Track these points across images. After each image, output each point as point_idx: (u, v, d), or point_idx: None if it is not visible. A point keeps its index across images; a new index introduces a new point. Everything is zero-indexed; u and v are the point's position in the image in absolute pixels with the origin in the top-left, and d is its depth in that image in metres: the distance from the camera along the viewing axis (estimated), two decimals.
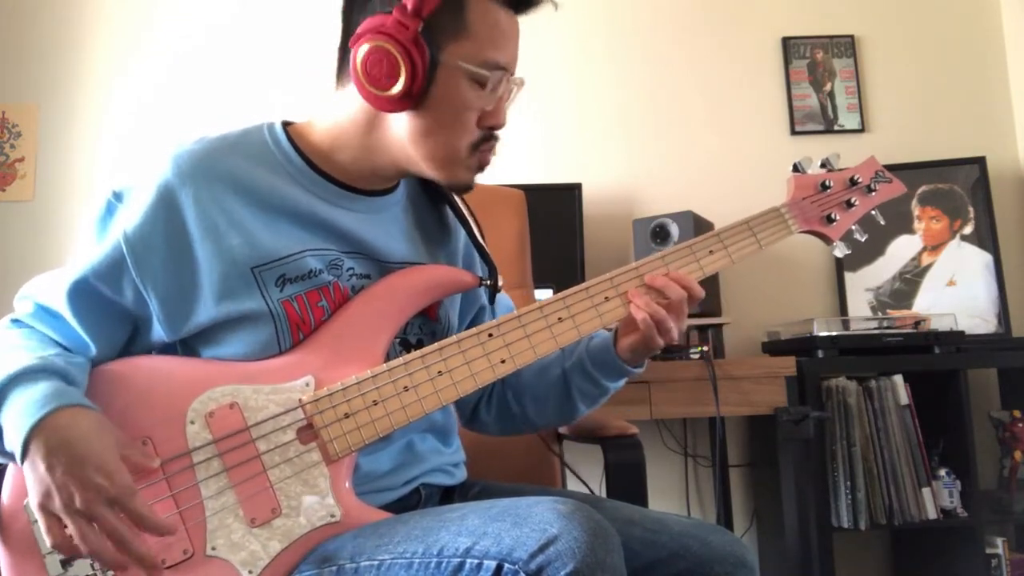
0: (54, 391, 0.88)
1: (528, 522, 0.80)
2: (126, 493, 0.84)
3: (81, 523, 0.83)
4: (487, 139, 1.04)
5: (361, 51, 0.97)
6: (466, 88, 0.99)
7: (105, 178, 2.69)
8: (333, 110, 1.06)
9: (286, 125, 1.09)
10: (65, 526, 0.85)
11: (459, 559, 0.80)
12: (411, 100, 0.97)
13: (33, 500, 0.85)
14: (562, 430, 1.59)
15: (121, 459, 0.87)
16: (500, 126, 1.04)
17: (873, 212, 1.22)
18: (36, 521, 0.90)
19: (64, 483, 0.83)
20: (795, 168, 1.21)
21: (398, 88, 0.96)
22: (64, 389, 0.89)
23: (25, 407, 0.86)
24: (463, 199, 1.21)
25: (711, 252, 1.13)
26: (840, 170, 1.21)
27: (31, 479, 0.85)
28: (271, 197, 1.02)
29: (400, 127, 1.02)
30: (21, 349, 0.95)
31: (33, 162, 2.72)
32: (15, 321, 1.02)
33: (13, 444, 0.86)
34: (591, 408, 1.21)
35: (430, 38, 0.96)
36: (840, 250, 1.21)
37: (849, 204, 1.20)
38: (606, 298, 1.08)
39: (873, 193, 1.21)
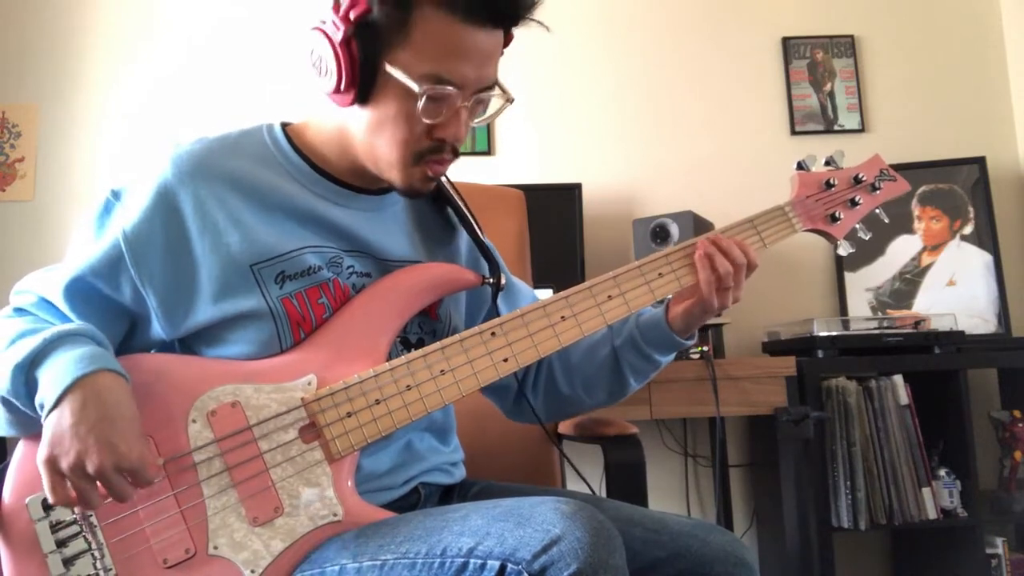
0: (100, 354, 0.90)
1: (531, 522, 0.80)
2: (143, 464, 0.86)
3: (85, 483, 0.84)
4: (438, 150, 1.01)
5: (311, 43, 0.99)
6: (405, 96, 0.97)
7: (105, 178, 2.69)
8: (325, 109, 1.07)
9: (285, 126, 1.10)
10: (67, 484, 0.85)
11: (462, 559, 0.80)
12: (351, 97, 0.98)
13: (42, 454, 0.85)
14: (562, 429, 1.59)
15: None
16: (451, 140, 1.01)
17: (877, 211, 1.22)
18: (38, 520, 0.91)
19: (86, 440, 0.84)
20: (799, 166, 1.21)
21: (331, 85, 0.98)
22: (108, 355, 0.91)
23: (72, 361, 0.88)
24: (463, 198, 1.21)
25: None
26: (844, 168, 1.21)
27: (50, 431, 0.86)
28: (270, 195, 1.02)
29: (355, 123, 1.02)
30: (46, 325, 0.95)
31: (33, 162, 2.72)
32: (19, 310, 1.03)
33: (48, 394, 0.87)
34: (642, 384, 1.23)
35: (369, 40, 0.95)
36: (844, 249, 1.21)
37: (853, 202, 1.20)
38: (609, 296, 1.08)
39: (877, 191, 1.21)
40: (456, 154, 1.04)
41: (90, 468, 0.84)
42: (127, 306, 0.99)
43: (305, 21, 1.01)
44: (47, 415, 0.87)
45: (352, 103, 0.99)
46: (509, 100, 1.05)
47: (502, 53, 1.04)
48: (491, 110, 1.08)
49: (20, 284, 1.04)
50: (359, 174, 1.08)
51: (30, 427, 0.92)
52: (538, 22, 1.03)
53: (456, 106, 0.98)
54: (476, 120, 1.05)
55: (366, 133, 1.01)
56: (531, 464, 1.59)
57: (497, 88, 1.04)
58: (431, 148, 1.01)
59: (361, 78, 0.96)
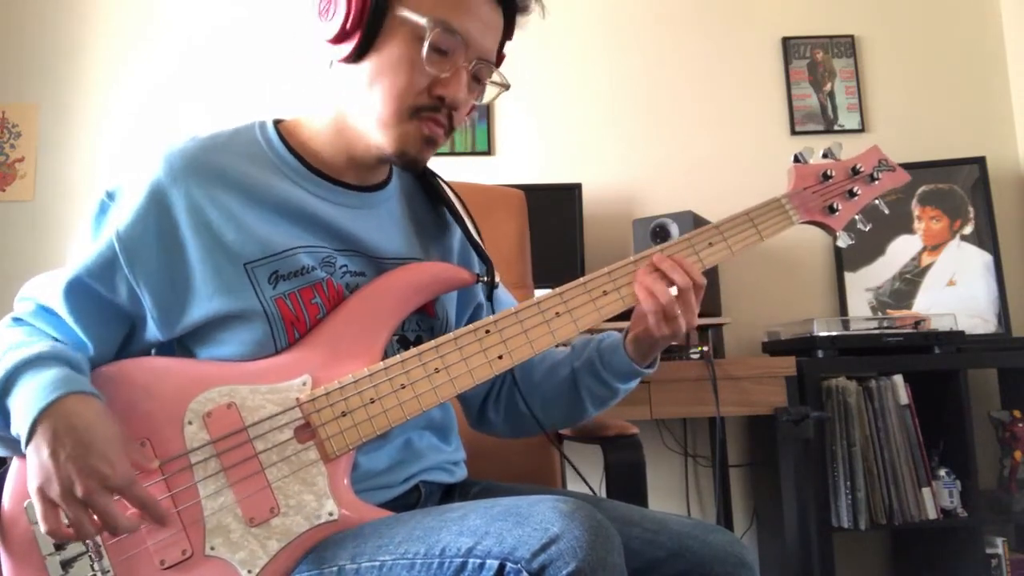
0: (64, 377, 0.89)
1: (530, 521, 0.79)
2: (128, 481, 0.85)
3: (78, 511, 0.84)
4: (435, 109, 1.01)
5: None
6: (410, 42, 0.98)
7: (105, 178, 2.69)
8: (319, 103, 1.07)
9: (277, 123, 1.10)
10: (61, 513, 0.85)
11: (461, 559, 0.80)
12: (355, 45, 0.98)
13: (32, 484, 0.85)
14: (563, 430, 1.58)
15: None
16: (450, 98, 1.00)
17: (876, 201, 1.21)
18: (36, 523, 0.91)
19: (66, 469, 0.83)
20: (796, 159, 1.19)
21: (335, 28, 0.98)
22: (74, 376, 0.90)
23: (36, 391, 0.87)
24: (459, 196, 1.20)
25: (710, 244, 1.12)
26: (842, 160, 1.20)
27: (33, 463, 0.85)
28: (263, 193, 1.02)
29: (351, 88, 1.02)
30: (27, 343, 0.95)
31: (33, 162, 2.72)
32: (16, 319, 1.03)
33: (20, 427, 0.87)
34: (600, 410, 1.20)
35: None
36: (843, 240, 1.19)
37: (851, 194, 1.18)
38: (604, 292, 1.07)
39: (876, 182, 1.20)
40: (452, 127, 1.04)
41: (79, 494, 0.83)
42: (124, 307, 0.99)
43: (305, 22, 1.01)
44: (25, 447, 0.87)
45: (353, 52, 0.99)
46: (505, 86, 1.06)
47: (499, 39, 1.06)
48: (488, 95, 1.08)
49: (23, 290, 1.04)
50: (353, 169, 1.08)
51: (19, 449, 0.91)
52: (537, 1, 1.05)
53: (459, 64, 0.99)
54: (474, 101, 1.06)
55: (364, 88, 1.01)
56: (531, 464, 1.59)
57: (496, 73, 1.05)
58: (429, 106, 1.00)
59: (368, 20, 0.97)
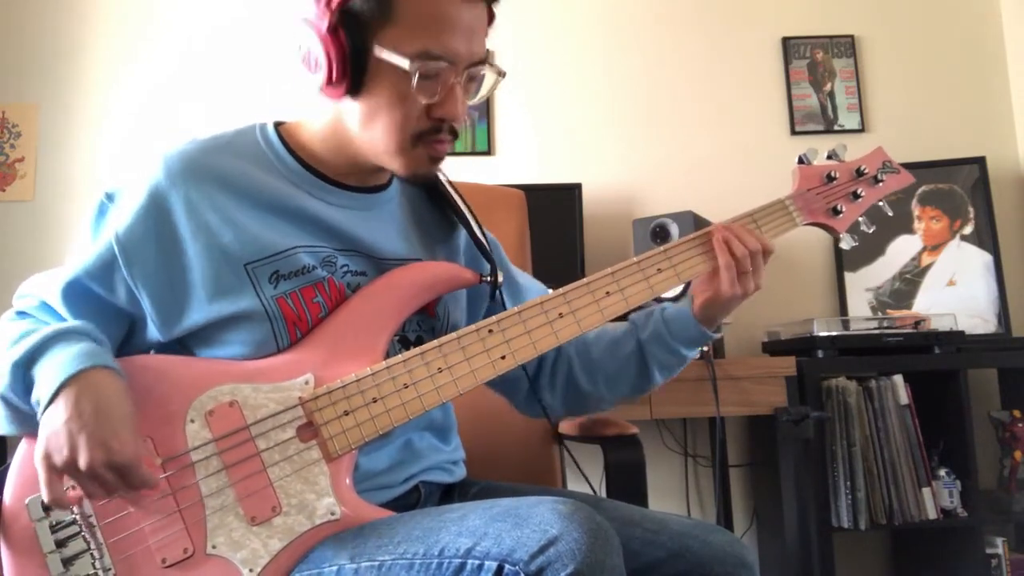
0: (96, 351, 0.91)
1: (529, 523, 0.79)
2: (134, 461, 0.86)
3: (81, 478, 0.85)
4: (436, 131, 1.01)
5: (298, 38, 0.99)
6: (398, 78, 0.96)
7: (105, 178, 2.69)
8: (319, 108, 1.07)
9: (278, 125, 1.10)
10: (63, 482, 0.86)
11: (460, 560, 0.80)
12: (344, 88, 0.98)
13: (39, 450, 0.86)
14: (563, 429, 1.58)
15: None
16: (449, 119, 1.00)
17: (881, 203, 1.21)
18: (37, 520, 0.92)
19: (77, 436, 0.84)
20: (800, 160, 1.19)
21: (322, 77, 0.97)
22: (103, 351, 0.92)
23: (67, 359, 0.88)
24: (462, 195, 1.20)
25: None
26: (846, 161, 1.20)
27: (46, 428, 0.86)
28: (263, 194, 1.02)
29: (351, 115, 1.02)
30: (44, 324, 0.96)
31: (33, 162, 2.72)
32: (20, 313, 1.03)
33: (43, 391, 0.88)
34: (667, 379, 1.22)
35: (354, 25, 0.95)
36: (847, 242, 1.19)
37: (856, 195, 1.18)
38: (607, 293, 1.07)
39: (880, 184, 1.20)
40: (455, 135, 1.03)
41: (81, 464, 0.84)
42: (123, 308, 1.00)
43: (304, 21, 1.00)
44: (43, 412, 0.87)
45: (345, 95, 0.99)
46: (501, 74, 1.05)
47: (488, 31, 1.04)
48: (485, 88, 1.07)
49: (22, 287, 1.05)
50: (354, 171, 1.08)
51: (29, 424, 0.92)
52: None
53: (450, 82, 0.98)
54: (472, 99, 1.05)
55: (362, 124, 1.01)
56: (531, 464, 1.59)
57: (488, 64, 1.03)
58: (430, 129, 1.00)
59: (352, 66, 0.96)
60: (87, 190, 2.70)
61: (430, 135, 1.01)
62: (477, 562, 0.79)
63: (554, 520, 0.78)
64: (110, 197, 1.01)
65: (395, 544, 0.86)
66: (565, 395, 1.25)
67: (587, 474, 1.52)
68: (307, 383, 0.97)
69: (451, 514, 0.87)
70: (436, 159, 1.03)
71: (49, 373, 0.88)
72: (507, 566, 0.77)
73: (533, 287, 1.30)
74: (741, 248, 1.09)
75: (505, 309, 1.06)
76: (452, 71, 0.98)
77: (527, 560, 0.76)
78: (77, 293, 0.99)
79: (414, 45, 0.95)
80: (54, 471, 0.85)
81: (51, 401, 0.87)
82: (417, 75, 0.95)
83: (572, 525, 0.78)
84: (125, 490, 0.87)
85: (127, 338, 1.03)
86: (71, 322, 0.96)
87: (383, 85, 0.98)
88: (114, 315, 1.01)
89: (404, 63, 0.95)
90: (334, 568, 0.88)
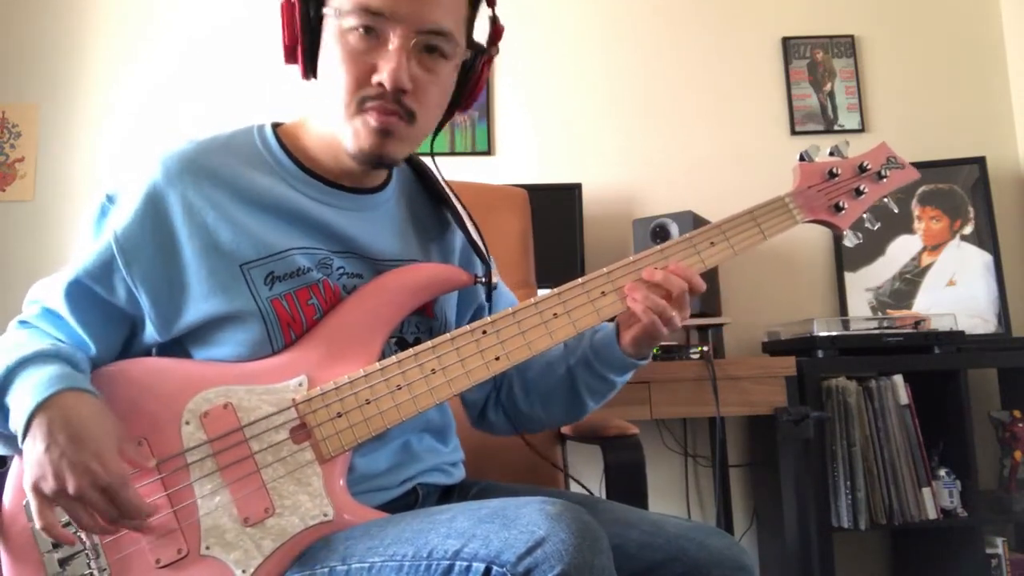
0: (62, 374, 0.90)
1: (516, 524, 0.79)
2: (118, 481, 0.85)
3: (73, 506, 0.85)
4: (379, 96, 0.97)
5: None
6: (340, 37, 0.97)
7: (105, 178, 2.69)
8: (317, 110, 1.07)
9: (276, 127, 1.10)
10: (55, 509, 0.86)
11: (448, 561, 0.80)
12: (301, 54, 1.00)
13: (27, 480, 0.86)
14: (564, 430, 1.58)
15: (118, 451, 0.88)
16: (389, 81, 0.95)
17: (885, 200, 1.18)
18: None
19: (59, 465, 0.84)
20: (802, 157, 1.17)
21: (286, 43, 1.00)
22: (72, 373, 0.91)
23: (33, 387, 0.88)
24: (457, 196, 1.20)
25: (712, 244, 1.10)
26: (848, 158, 1.18)
27: (29, 458, 0.86)
28: (259, 195, 1.02)
29: (318, 98, 1.03)
30: (28, 344, 0.96)
31: (33, 162, 2.72)
32: (22, 322, 1.04)
33: (17, 422, 0.87)
34: (600, 403, 1.20)
35: None
36: (850, 239, 1.17)
37: (858, 192, 1.16)
38: (603, 293, 1.06)
39: (884, 180, 1.17)
40: (409, 112, 0.99)
41: (71, 491, 0.84)
42: (124, 308, 1.00)
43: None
44: (22, 442, 0.87)
45: (304, 67, 1.02)
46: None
47: (461, 9, 1.02)
48: (452, 60, 1.03)
49: (31, 293, 1.05)
50: (348, 172, 1.08)
51: (18, 446, 0.92)
52: None
53: (390, 42, 0.96)
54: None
55: (321, 98, 1.02)
56: (531, 464, 1.58)
57: (443, 35, 0.99)
58: (373, 94, 0.98)
59: (302, 29, 0.98)
60: (87, 190, 2.71)
61: (372, 100, 0.98)
62: (465, 564, 0.79)
63: (541, 521, 0.78)
64: (110, 198, 1.01)
65: (385, 546, 0.86)
66: (507, 412, 1.25)
67: (587, 474, 1.52)
68: (301, 385, 0.97)
69: (441, 516, 0.87)
70: (382, 131, 0.98)
71: (19, 403, 0.88)
72: (495, 568, 0.77)
73: (508, 297, 1.28)
74: (658, 303, 1.04)
75: (491, 313, 1.06)
76: (393, 29, 0.96)
77: (514, 562, 0.76)
78: (79, 294, 0.99)
79: (354, 1, 0.96)
80: (44, 499, 0.86)
81: (25, 432, 0.87)
82: (357, 30, 0.96)
83: (559, 526, 0.77)
84: (117, 514, 0.86)
85: (130, 339, 1.03)
86: (41, 344, 0.95)
87: (327, 48, 0.99)
88: (115, 316, 1.01)
89: (345, 19, 0.96)
90: (326, 569, 0.88)
